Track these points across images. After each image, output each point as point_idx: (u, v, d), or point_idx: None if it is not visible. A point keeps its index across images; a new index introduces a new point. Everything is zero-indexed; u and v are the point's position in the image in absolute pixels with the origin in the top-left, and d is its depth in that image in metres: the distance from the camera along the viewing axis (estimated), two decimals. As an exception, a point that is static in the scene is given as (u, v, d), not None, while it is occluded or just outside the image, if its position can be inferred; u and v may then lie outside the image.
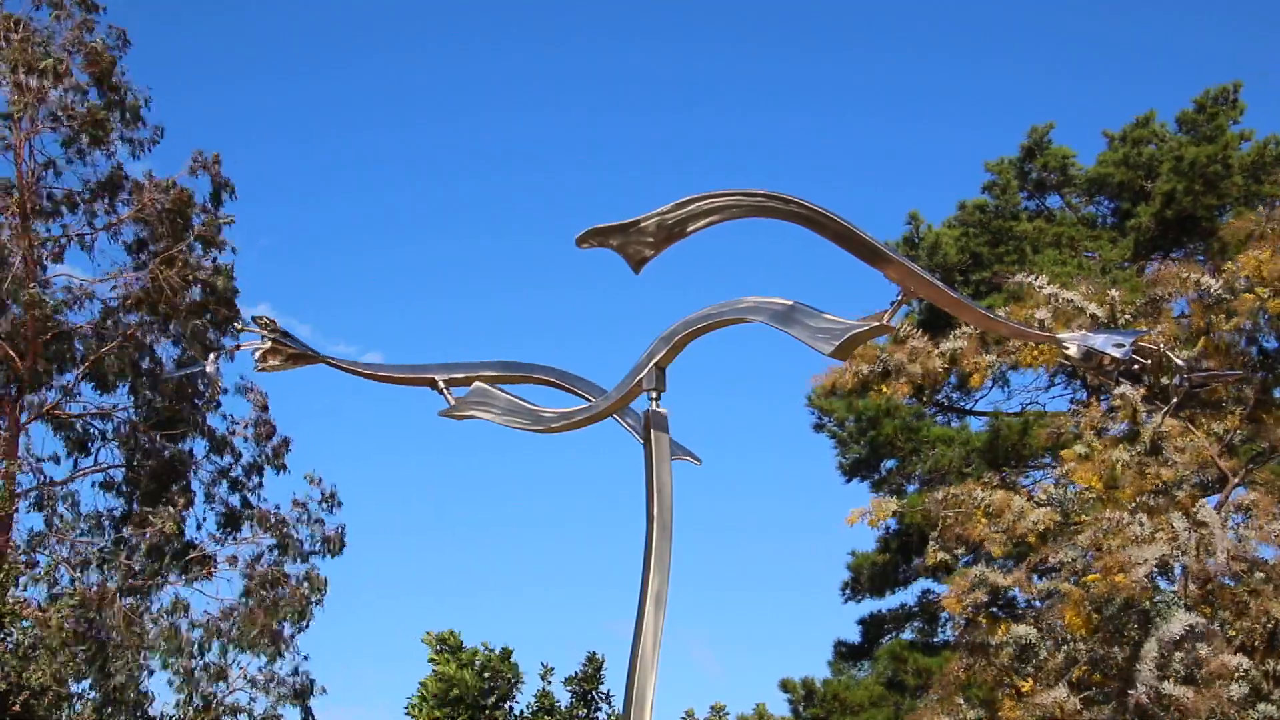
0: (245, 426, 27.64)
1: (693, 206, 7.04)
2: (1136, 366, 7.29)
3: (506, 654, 29.49)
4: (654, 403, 7.32)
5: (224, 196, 26.88)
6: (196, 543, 26.32)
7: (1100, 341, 7.24)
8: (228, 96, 64.68)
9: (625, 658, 6.98)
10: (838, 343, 6.88)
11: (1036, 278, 18.69)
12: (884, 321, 6.99)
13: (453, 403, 8.10)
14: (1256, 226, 18.52)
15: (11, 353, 24.20)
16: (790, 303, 7.10)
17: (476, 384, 8.14)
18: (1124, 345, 7.14)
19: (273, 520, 26.59)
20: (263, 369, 7.93)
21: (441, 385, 8.14)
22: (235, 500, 27.42)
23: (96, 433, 26.50)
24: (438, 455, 69.40)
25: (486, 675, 28.64)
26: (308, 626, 26.27)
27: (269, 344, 7.90)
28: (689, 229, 7.07)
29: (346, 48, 75.12)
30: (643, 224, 7.08)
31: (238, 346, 8.11)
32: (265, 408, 27.84)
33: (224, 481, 27.37)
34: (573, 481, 67.31)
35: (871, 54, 68.58)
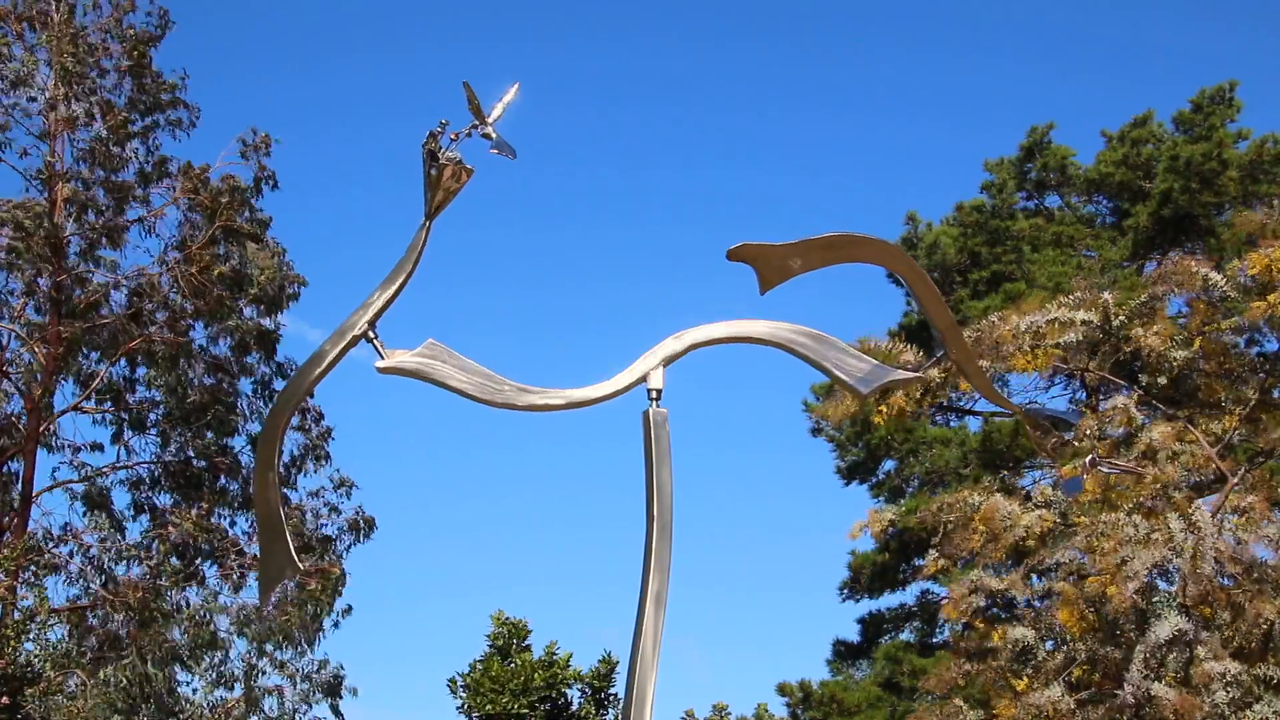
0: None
1: (836, 243, 7.12)
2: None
3: (567, 658, 29.55)
4: (654, 403, 7.23)
5: (264, 187, 26.12)
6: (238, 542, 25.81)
7: (1047, 420, 8.03)
8: (224, 97, 64.63)
9: (625, 658, 6.93)
10: (873, 387, 7.18)
11: (1029, 316, 18.65)
12: (922, 373, 7.56)
13: (385, 355, 6.92)
14: (1267, 220, 18.38)
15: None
16: (820, 335, 7.23)
17: (430, 340, 7.07)
18: (1071, 429, 8.07)
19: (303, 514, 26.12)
20: (445, 159, 6.54)
21: (372, 335, 6.85)
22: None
23: (129, 424, 26.00)
24: (426, 449, 69.32)
25: (550, 673, 28.69)
26: (338, 624, 26.03)
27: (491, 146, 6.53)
28: (823, 263, 7.12)
29: (346, 47, 75.15)
30: (787, 250, 7.05)
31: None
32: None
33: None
34: (572, 479, 67.28)
35: (871, 54, 68.62)
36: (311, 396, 26.61)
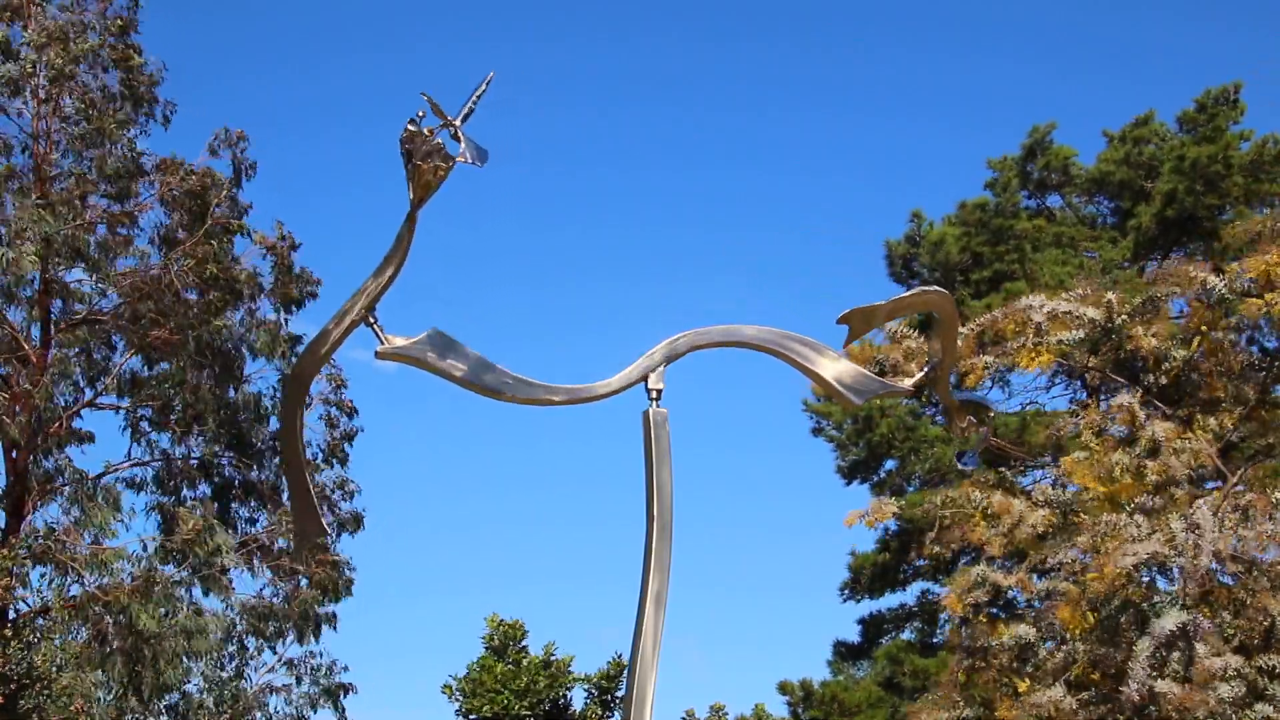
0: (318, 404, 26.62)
1: (913, 302, 8.45)
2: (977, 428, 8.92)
3: (567, 660, 29.56)
4: (654, 403, 7.25)
5: (243, 179, 25.73)
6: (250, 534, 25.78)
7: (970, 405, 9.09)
8: (225, 97, 64.65)
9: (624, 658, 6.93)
10: (866, 397, 7.87)
11: (1035, 297, 18.66)
12: (911, 386, 8.44)
13: (386, 341, 6.76)
14: (1262, 227, 18.34)
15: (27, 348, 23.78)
16: (816, 343, 7.61)
17: (433, 328, 6.94)
18: (988, 414, 9.03)
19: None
20: (426, 151, 6.44)
21: (372, 320, 6.71)
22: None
23: (137, 422, 25.88)
24: (424, 446, 69.35)
25: (549, 674, 28.71)
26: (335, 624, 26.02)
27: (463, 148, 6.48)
28: (904, 313, 8.17)
29: (345, 47, 75.16)
30: (881, 311, 7.93)
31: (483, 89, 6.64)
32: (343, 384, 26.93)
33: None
34: (572, 479, 67.30)
35: (871, 54, 68.65)
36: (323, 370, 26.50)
